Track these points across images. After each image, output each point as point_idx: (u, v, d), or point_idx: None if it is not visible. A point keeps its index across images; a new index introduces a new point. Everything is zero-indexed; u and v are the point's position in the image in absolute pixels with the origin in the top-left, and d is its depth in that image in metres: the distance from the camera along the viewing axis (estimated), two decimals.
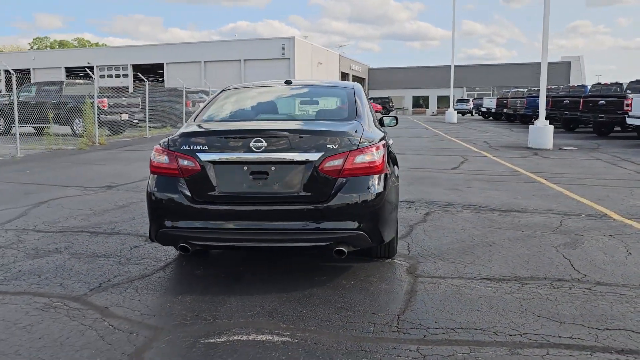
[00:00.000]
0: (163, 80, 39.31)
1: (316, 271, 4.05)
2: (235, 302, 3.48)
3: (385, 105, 45.28)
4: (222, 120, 4.18)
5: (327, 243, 3.54)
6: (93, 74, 41.01)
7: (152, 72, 42.12)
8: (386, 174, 3.73)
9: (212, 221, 3.54)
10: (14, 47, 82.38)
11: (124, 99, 18.46)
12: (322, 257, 4.31)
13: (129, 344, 2.89)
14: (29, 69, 43.92)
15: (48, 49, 70.38)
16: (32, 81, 38.72)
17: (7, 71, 13.89)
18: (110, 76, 42.40)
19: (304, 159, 3.51)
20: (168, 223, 3.60)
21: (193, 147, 3.60)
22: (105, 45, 75.69)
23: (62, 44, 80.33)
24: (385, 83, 56.52)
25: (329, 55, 44.35)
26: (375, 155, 3.64)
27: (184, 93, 20.55)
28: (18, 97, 19.80)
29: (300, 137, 3.58)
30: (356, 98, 4.40)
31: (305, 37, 44.32)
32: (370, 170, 3.60)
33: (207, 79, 38.37)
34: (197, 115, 4.29)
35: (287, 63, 37.13)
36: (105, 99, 17.25)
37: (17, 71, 45.56)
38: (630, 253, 4.50)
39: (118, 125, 18.26)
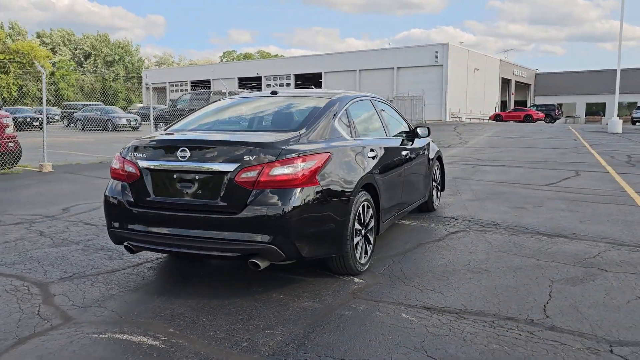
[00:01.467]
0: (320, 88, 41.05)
1: (262, 282, 4.05)
2: (158, 303, 3.66)
3: (550, 113, 41.59)
4: (183, 130, 4.38)
5: (239, 254, 3.55)
6: (260, 83, 43.99)
7: (312, 81, 44.39)
8: (313, 187, 3.60)
9: (147, 226, 3.77)
10: (206, 60, 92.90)
11: None
12: (291, 270, 4.29)
13: (31, 328, 3.24)
14: (209, 80, 49.13)
15: (234, 60, 77.90)
16: (211, 91, 43.14)
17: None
18: (275, 85, 45.57)
19: (221, 169, 3.57)
20: (115, 224, 3.92)
21: (136, 155, 3.88)
22: (280, 56, 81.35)
23: (246, 57, 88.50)
24: (554, 89, 51.85)
25: (488, 61, 42.25)
26: (296, 168, 3.54)
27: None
28: (175, 105, 22.47)
29: (221, 148, 3.64)
30: (325, 109, 4.29)
31: (461, 42, 42.82)
32: (287, 183, 3.51)
33: (362, 86, 39.18)
34: (170, 125, 4.57)
35: (440, 70, 36.25)
36: None
37: (200, 82, 51.05)
38: (639, 297, 3.70)
39: None
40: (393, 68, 38.52)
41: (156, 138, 3.98)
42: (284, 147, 3.60)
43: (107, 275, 4.24)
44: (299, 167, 3.56)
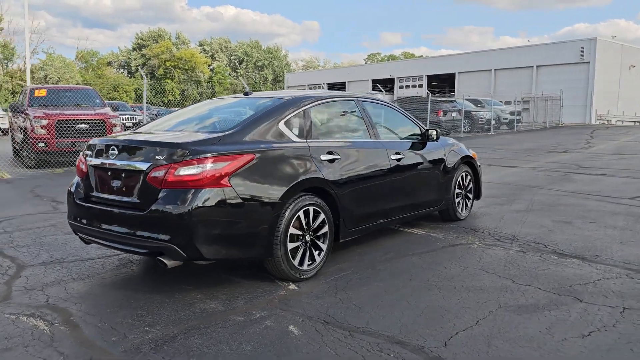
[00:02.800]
0: (453, 90, 39.66)
1: (198, 280, 4.10)
2: (90, 290, 3.90)
3: None
4: (147, 129, 4.55)
5: (146, 251, 3.65)
6: (393, 85, 43.82)
7: (447, 82, 43.06)
8: (222, 188, 3.56)
9: (90, 219, 4.03)
10: (350, 63, 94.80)
11: None
12: (238, 270, 4.30)
13: None
14: (345, 82, 50.10)
15: (379, 62, 78.48)
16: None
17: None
18: (407, 87, 44.96)
19: (137, 167, 3.70)
20: (72, 216, 4.25)
21: (87, 153, 4.18)
22: (407, 57, 79.92)
23: (391, 58, 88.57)
24: None
25: None
26: (202, 169, 3.53)
27: (429, 101, 20.62)
28: None
29: (141, 148, 3.76)
30: (273, 110, 4.21)
31: (614, 36, 38.29)
32: (192, 183, 3.52)
33: (497, 86, 37.10)
34: (142, 125, 4.80)
35: (587, 67, 32.77)
36: None
37: (336, 84, 52.12)
38: (583, 336, 3.08)
39: None
40: (532, 67, 35.75)
41: (101, 138, 4.23)
42: (193, 148, 3.61)
43: (79, 263, 4.60)
44: (206, 168, 3.54)
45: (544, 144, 18.39)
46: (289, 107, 4.29)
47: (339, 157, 4.39)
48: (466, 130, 23.87)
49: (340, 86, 49.30)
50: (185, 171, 3.52)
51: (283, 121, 4.16)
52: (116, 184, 3.85)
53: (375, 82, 47.97)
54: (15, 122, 12.98)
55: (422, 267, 4.45)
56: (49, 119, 11.49)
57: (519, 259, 4.65)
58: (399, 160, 5.06)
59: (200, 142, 3.72)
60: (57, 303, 3.67)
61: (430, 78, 43.63)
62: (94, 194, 4.02)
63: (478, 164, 6.55)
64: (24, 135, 11.90)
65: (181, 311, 3.49)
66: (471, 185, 6.35)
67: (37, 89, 13.27)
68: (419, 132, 5.68)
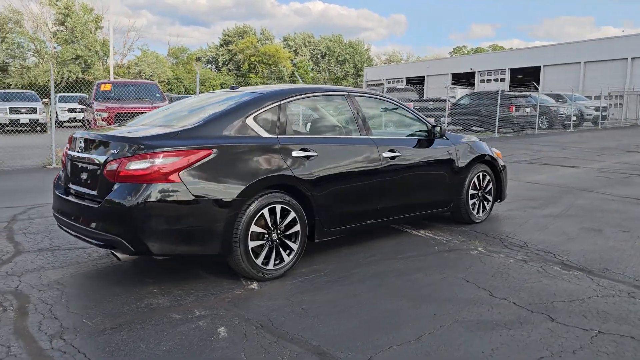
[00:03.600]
0: (538, 84, 37.53)
1: (165, 275, 4.11)
2: (55, 276, 4.02)
3: None
4: (131, 125, 4.59)
5: (101, 244, 3.68)
6: (474, 79, 42.44)
7: (532, 76, 40.85)
8: (173, 184, 3.52)
9: (65, 210, 4.14)
10: (435, 56, 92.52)
11: (431, 103, 19.09)
12: (213, 267, 4.27)
13: None
14: (424, 76, 49.01)
15: (465, 55, 76.12)
16: (425, 88, 43.28)
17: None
18: (489, 80, 43.12)
19: (97, 161, 3.74)
20: (54, 207, 4.39)
21: (67, 146, 4.30)
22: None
23: (477, 51, 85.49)
24: None
25: None
26: (152, 163, 3.50)
27: (498, 96, 19.60)
28: None
29: (102, 142, 3.80)
30: (244, 105, 4.10)
31: None
32: (142, 178, 3.50)
33: (586, 80, 34.72)
34: (134, 120, 4.84)
35: None
36: (411, 103, 18.32)
37: (414, 78, 51.39)
38: None
39: None
40: (626, 59, 33.01)
41: (79, 131, 4.32)
42: (145, 143, 3.59)
43: (69, 252, 4.76)
44: (155, 163, 3.51)
45: (625, 142, 16.93)
46: (262, 102, 4.18)
47: (315, 154, 4.21)
48: (543, 127, 22.49)
49: (419, 80, 48.26)
50: (135, 165, 3.51)
51: (252, 116, 4.05)
52: (84, 176, 3.93)
53: (455, 76, 46.57)
54: (84, 114, 13.84)
55: (400, 272, 4.18)
56: (109, 112, 12.13)
57: (514, 269, 4.25)
58: (393, 158, 4.79)
59: (155, 137, 3.70)
60: (24, 290, 3.80)
61: (514, 72, 41.62)
62: (70, 185, 4.13)
63: (501, 163, 6.08)
64: (87, 127, 12.65)
65: (127, 305, 3.50)
66: (490, 186, 5.90)
67: (103, 83, 14.05)
68: (425, 129, 5.35)
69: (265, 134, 4.05)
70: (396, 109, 5.32)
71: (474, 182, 5.69)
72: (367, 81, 55.74)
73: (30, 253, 4.69)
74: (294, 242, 4.11)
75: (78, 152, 4.01)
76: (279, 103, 4.24)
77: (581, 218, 6.08)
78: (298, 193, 4.12)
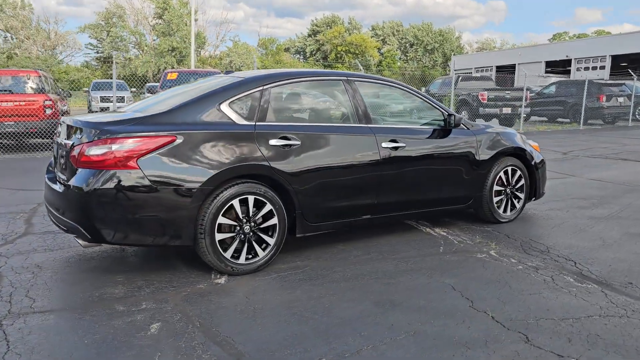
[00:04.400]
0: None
1: (143, 265, 4.02)
2: (43, 269, 4.06)
3: None
4: (126, 110, 4.50)
5: (64, 229, 3.65)
6: (570, 66, 39.69)
7: (636, 63, 37.35)
8: (130, 170, 3.39)
9: (46, 196, 4.13)
10: (532, 43, 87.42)
11: (507, 92, 17.91)
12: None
13: None
14: (514, 64, 46.44)
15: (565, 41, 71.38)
16: (515, 76, 41.11)
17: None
18: (586, 69, 39.93)
19: (67, 146, 3.69)
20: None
21: (57, 132, 4.31)
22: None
23: (579, 37, 79.80)
24: None
25: None
26: (109, 149, 3.39)
27: (585, 85, 17.98)
28: (427, 90, 22.13)
29: (74, 128, 3.74)
30: (220, 91, 3.89)
31: None
32: (98, 164, 3.41)
33: None
34: (130, 105, 4.78)
35: None
36: (485, 93, 17.33)
37: (505, 67, 48.88)
38: None
39: (499, 119, 17.96)
40: None
41: (65, 117, 4.30)
42: (105, 128, 3.49)
43: (68, 235, 4.82)
44: (112, 149, 3.40)
45: None
46: (241, 88, 3.95)
47: (297, 143, 3.93)
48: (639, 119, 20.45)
49: (510, 69, 45.78)
50: (94, 151, 3.42)
51: (227, 102, 3.83)
52: (62, 162, 3.92)
53: (549, 64, 43.76)
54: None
55: (385, 274, 3.81)
56: None
57: (518, 277, 3.74)
58: (394, 149, 4.39)
59: (117, 122, 3.59)
60: (2, 271, 3.87)
61: (617, 59, 38.24)
62: (55, 171, 4.15)
63: (538, 157, 5.44)
64: None
65: (82, 293, 3.44)
66: (522, 182, 5.30)
67: (170, 72, 14.47)
68: (441, 118, 4.88)
69: (241, 121, 3.82)
70: (408, 95, 4.88)
71: (500, 177, 5.12)
72: (455, 70, 53.68)
73: (35, 235, 4.80)
74: (271, 236, 3.87)
75: (61, 138, 4.00)
76: (260, 88, 3.98)
77: (632, 222, 5.31)
78: (276, 184, 3.86)
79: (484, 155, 4.96)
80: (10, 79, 11.56)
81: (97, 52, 58.19)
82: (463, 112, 18.49)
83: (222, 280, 3.68)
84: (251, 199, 3.73)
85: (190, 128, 3.62)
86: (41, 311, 3.14)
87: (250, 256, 3.81)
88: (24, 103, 11.03)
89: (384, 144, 4.34)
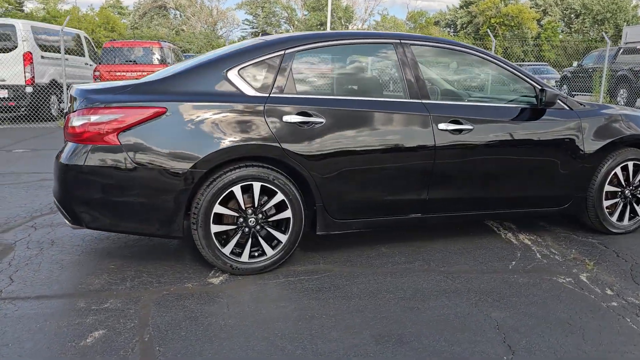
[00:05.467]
0: None
1: (140, 259, 3.61)
2: (44, 243, 3.84)
3: None
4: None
5: (56, 208, 3.32)
6: None
7: None
8: (108, 146, 2.92)
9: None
10: None
11: None
12: None
13: None
14: None
15: None
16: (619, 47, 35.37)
17: None
18: None
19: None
20: None
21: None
22: None
23: None
24: None
25: None
26: (87, 120, 2.94)
27: None
28: (580, 64, 19.31)
29: (72, 97, 3.35)
30: (228, 57, 3.24)
31: None
32: (77, 137, 2.99)
33: None
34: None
35: None
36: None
37: None
38: None
39: None
40: None
41: None
42: (88, 96, 3.03)
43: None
44: (90, 120, 2.95)
45: None
46: (257, 52, 3.27)
47: (320, 120, 3.18)
48: None
49: None
50: (75, 122, 3.00)
51: (237, 69, 3.19)
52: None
53: None
54: None
55: (416, 293, 2.95)
56: None
57: (605, 321, 2.66)
58: (456, 132, 3.43)
59: (102, 90, 3.13)
60: (16, 245, 3.70)
61: None
62: None
63: None
64: None
65: (65, 281, 3.08)
66: None
67: None
68: (533, 94, 3.76)
69: (251, 92, 3.16)
70: (486, 64, 3.81)
71: (616, 174, 3.87)
72: (625, 42, 47.08)
73: (55, 212, 4.60)
74: (283, 232, 3.21)
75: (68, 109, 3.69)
76: (281, 52, 3.27)
77: None
78: (291, 170, 3.18)
79: (591, 144, 3.75)
80: (136, 50, 12.10)
81: (252, 28, 60.91)
82: (622, 91, 15.86)
83: (218, 280, 3.12)
84: (256, 186, 3.09)
85: (186, 99, 3.05)
86: (8, 297, 2.84)
87: (255, 254, 3.19)
88: (145, 74, 11.50)
89: (441, 126, 3.40)
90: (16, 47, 10.42)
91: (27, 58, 10.52)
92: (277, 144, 3.09)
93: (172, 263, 3.36)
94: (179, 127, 2.99)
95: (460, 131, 3.44)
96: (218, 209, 3.05)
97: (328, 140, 3.18)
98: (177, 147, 2.97)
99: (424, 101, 3.44)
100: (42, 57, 11.00)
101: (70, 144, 3.04)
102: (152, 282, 3.07)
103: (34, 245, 3.67)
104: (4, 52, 10.40)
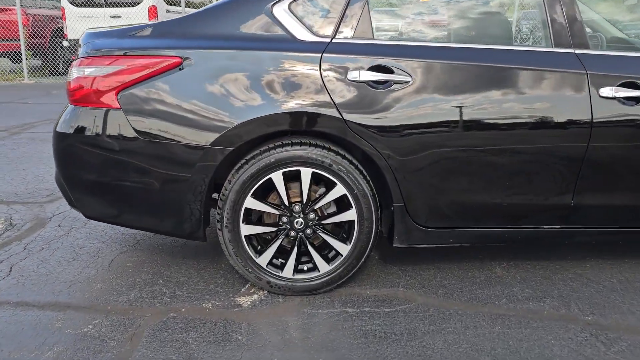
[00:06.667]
0: None
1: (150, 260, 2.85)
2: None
3: None
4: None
5: None
6: None
7: None
8: (104, 109, 2.14)
9: None
10: None
11: None
12: None
13: None
14: None
15: None
16: None
17: None
18: None
19: None
20: None
21: None
22: None
23: None
24: None
25: None
26: (81, 73, 2.16)
27: None
28: None
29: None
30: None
31: None
32: (72, 97, 2.23)
33: None
34: None
35: None
36: None
37: None
38: None
39: None
40: None
41: None
42: (89, 41, 2.24)
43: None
44: (84, 74, 2.17)
45: None
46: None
47: (405, 79, 2.09)
48: None
49: None
50: (71, 76, 2.25)
51: (286, 3, 2.18)
52: None
53: None
54: None
55: (500, 342, 1.83)
56: None
57: None
58: (630, 101, 2.14)
59: (109, 34, 2.31)
60: (47, 212, 3.16)
61: None
62: None
63: None
64: None
65: (67, 285, 2.43)
66: None
67: None
68: None
69: (304, 35, 2.16)
70: None
71: None
72: None
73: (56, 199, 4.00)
74: (345, 240, 2.23)
75: None
76: None
77: None
78: (359, 152, 2.17)
79: None
80: None
81: None
82: None
83: (248, 300, 2.25)
84: (305, 173, 2.13)
85: (211, 45, 2.14)
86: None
87: (304, 268, 2.26)
88: None
89: (605, 91, 2.13)
90: (142, 0, 10.39)
91: (152, 11, 10.45)
92: (337, 114, 2.08)
93: (203, 266, 2.56)
94: (198, 86, 2.10)
95: (637, 100, 2.14)
96: (251, 202, 2.14)
97: (416, 110, 2.10)
98: (197, 113, 2.09)
99: (577, 51, 2.17)
100: (167, 10, 10.91)
101: (68, 106, 2.30)
102: (164, 294, 2.28)
103: (66, 223, 3.12)
104: (130, 6, 10.42)
